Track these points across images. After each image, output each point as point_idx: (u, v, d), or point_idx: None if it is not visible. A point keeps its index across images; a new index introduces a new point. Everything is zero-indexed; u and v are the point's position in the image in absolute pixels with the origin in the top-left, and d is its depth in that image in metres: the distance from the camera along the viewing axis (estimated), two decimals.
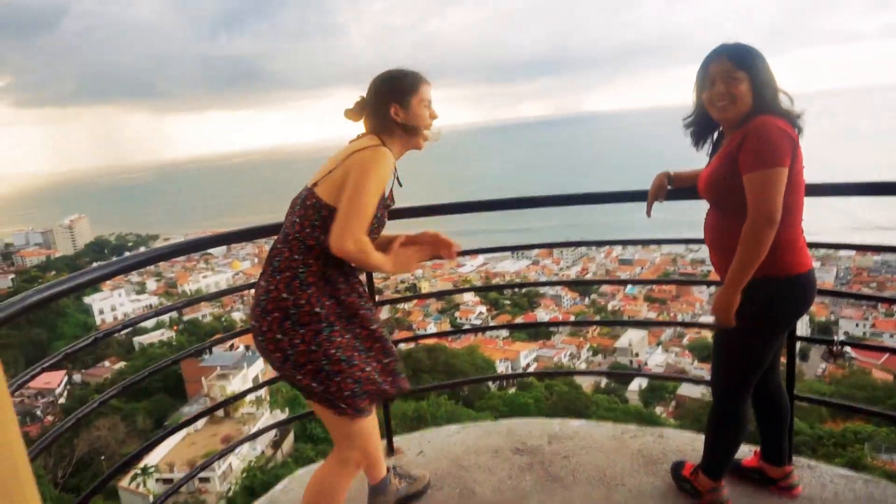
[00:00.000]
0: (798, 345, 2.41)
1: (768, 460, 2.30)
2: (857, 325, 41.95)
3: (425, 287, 53.62)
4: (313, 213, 1.84)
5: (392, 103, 1.92)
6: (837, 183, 2.18)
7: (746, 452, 2.46)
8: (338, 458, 1.99)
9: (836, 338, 2.03)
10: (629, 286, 54.83)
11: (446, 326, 45.66)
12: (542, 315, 47.74)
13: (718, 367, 2.13)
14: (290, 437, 28.42)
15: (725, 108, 1.90)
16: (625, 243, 3.19)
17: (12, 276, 59.15)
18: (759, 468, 2.33)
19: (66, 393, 35.70)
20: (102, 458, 23.86)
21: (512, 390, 29.55)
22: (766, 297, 1.91)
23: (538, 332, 43.54)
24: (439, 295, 21.37)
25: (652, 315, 44.03)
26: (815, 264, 2.03)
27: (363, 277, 2.66)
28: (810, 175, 1.96)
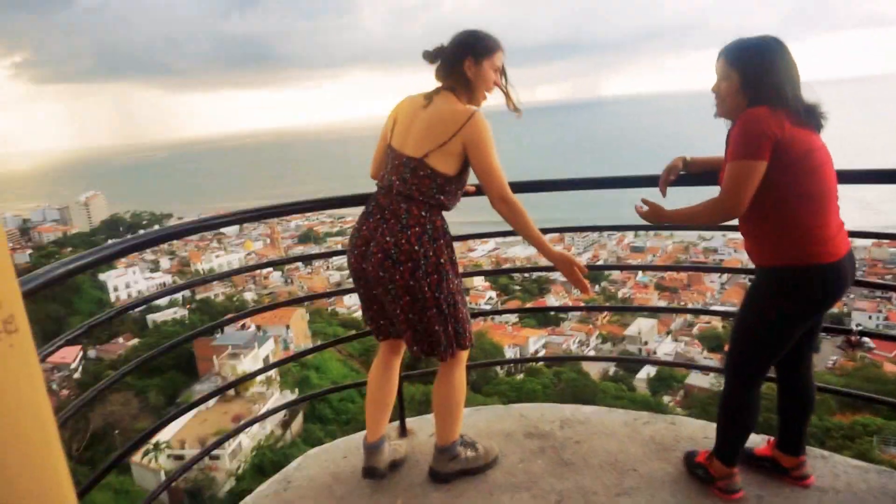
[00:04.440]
0: None
1: (783, 450, 2.28)
2: (870, 317, 41.54)
3: None
4: (429, 180, 2.05)
5: (469, 56, 2.06)
6: (853, 170, 2.07)
7: (759, 442, 2.45)
8: (446, 371, 2.29)
9: (854, 327, 2.01)
10: (640, 274, 54.60)
11: None
12: (551, 301, 47.70)
13: (734, 352, 2.12)
14: (300, 418, 28.75)
15: (716, 106, 1.97)
16: (637, 229, 3.16)
17: (30, 251, 59.86)
18: (772, 457, 2.32)
19: (80, 368, 36.27)
20: (116, 432, 24.29)
21: (520, 376, 29.67)
22: (788, 285, 1.91)
23: (547, 318, 43.52)
24: None
25: (662, 304, 43.80)
26: None
27: None
28: (835, 164, 1.91)
